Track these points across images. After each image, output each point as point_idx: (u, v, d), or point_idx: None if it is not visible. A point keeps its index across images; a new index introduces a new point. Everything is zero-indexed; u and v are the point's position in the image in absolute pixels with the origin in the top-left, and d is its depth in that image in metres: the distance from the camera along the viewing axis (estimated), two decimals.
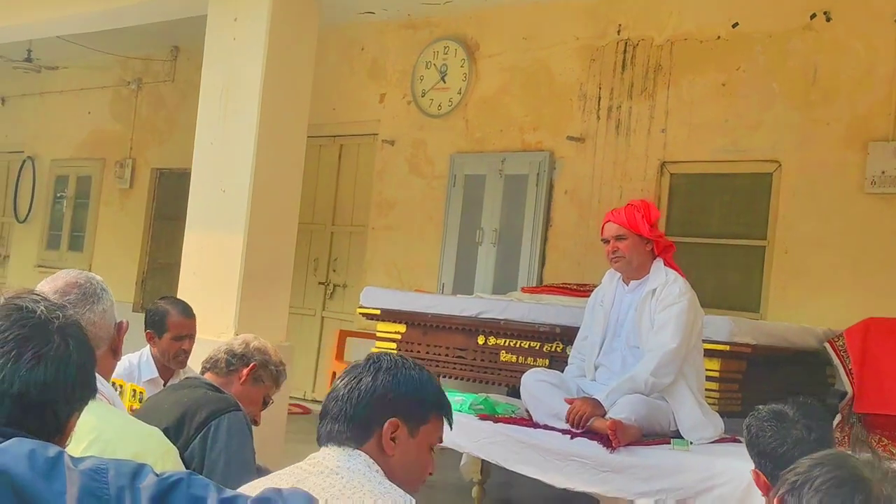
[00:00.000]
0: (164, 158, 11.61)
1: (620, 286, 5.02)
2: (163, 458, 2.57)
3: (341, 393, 2.19)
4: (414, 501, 2.06)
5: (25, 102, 13.44)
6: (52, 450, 1.50)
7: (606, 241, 4.96)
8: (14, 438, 1.50)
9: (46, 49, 11.09)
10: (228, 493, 1.54)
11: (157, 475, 1.53)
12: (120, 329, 2.59)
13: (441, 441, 2.29)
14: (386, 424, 2.15)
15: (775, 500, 1.69)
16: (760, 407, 2.75)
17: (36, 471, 1.45)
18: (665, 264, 4.90)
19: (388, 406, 2.16)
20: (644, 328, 4.82)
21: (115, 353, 2.61)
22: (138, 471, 1.52)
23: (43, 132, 13.19)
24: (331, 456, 2.15)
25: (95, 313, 2.50)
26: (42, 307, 1.65)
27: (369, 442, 2.16)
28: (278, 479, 2.15)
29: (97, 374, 1.81)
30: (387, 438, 2.16)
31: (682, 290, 4.78)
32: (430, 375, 2.27)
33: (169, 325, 4.56)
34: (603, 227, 5.00)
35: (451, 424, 2.30)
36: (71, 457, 1.51)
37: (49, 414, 1.61)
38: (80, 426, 1.73)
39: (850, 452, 1.73)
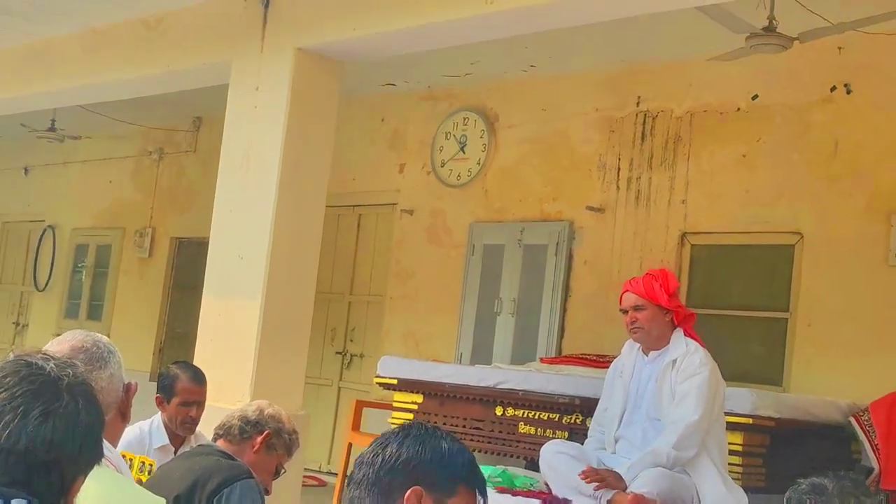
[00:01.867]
0: (184, 228, 11.65)
1: (640, 357, 4.96)
2: None
3: (366, 458, 2.09)
4: None
5: (48, 172, 13.55)
6: None
7: (625, 312, 4.91)
8: (16, 500, 1.46)
9: (70, 119, 11.20)
10: None
11: None
12: (128, 391, 2.54)
13: None
14: (408, 493, 2.01)
15: None
16: (801, 481, 2.70)
17: None
18: (685, 334, 4.84)
19: (412, 474, 2.03)
20: (665, 400, 4.74)
21: (125, 416, 2.56)
22: None
23: (64, 201, 13.28)
24: None
25: (103, 378, 2.45)
26: (52, 365, 1.61)
27: None
28: None
29: (104, 440, 1.76)
30: None
31: (703, 361, 4.72)
32: (464, 447, 2.12)
33: (178, 390, 4.51)
34: (621, 298, 4.96)
35: (485, 500, 2.13)
36: None
37: (55, 474, 1.56)
38: (84, 494, 1.67)
39: None
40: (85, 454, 1.60)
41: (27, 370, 1.59)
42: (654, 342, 4.88)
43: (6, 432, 1.52)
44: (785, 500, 2.80)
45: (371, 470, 2.07)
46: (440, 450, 2.08)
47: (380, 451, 2.09)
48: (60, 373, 1.62)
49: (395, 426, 2.17)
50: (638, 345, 4.97)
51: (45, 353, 1.66)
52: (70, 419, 1.57)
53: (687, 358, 4.73)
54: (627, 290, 4.94)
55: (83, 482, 1.64)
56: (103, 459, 1.72)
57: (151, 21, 7.24)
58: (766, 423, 5.37)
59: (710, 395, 4.68)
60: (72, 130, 12.04)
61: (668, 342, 4.85)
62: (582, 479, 4.67)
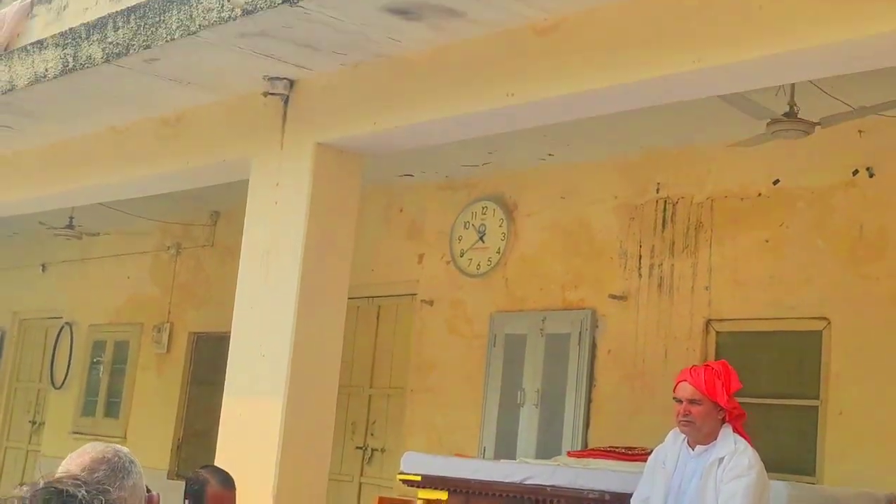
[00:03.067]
0: (202, 322, 11.59)
1: (685, 449, 4.81)
2: None
3: None
4: None
5: (66, 269, 13.57)
6: None
7: (679, 402, 4.74)
8: None
9: (88, 216, 11.24)
10: None
11: None
12: (150, 502, 2.46)
13: None
14: None
15: None
16: None
17: None
18: (734, 430, 4.71)
19: None
20: (709, 498, 4.60)
21: None
22: None
23: (82, 298, 13.26)
24: None
25: (126, 489, 2.38)
26: (83, 492, 1.54)
27: None
28: None
29: None
30: None
31: (752, 462, 4.58)
32: None
33: (209, 495, 4.44)
34: (677, 385, 4.79)
35: None
36: None
37: None
38: None
39: None
40: None
41: (58, 499, 1.52)
42: (703, 438, 4.73)
43: None
44: None
45: None
46: None
47: None
48: (92, 499, 1.54)
49: None
50: (683, 436, 4.83)
51: (76, 479, 1.59)
52: None
53: (735, 457, 4.59)
54: (685, 381, 4.74)
55: None
56: None
57: (171, 119, 7.28)
58: None
59: (757, 499, 4.54)
60: (90, 227, 12.08)
61: (717, 438, 4.71)
62: None
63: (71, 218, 11.50)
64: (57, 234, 11.99)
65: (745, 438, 4.72)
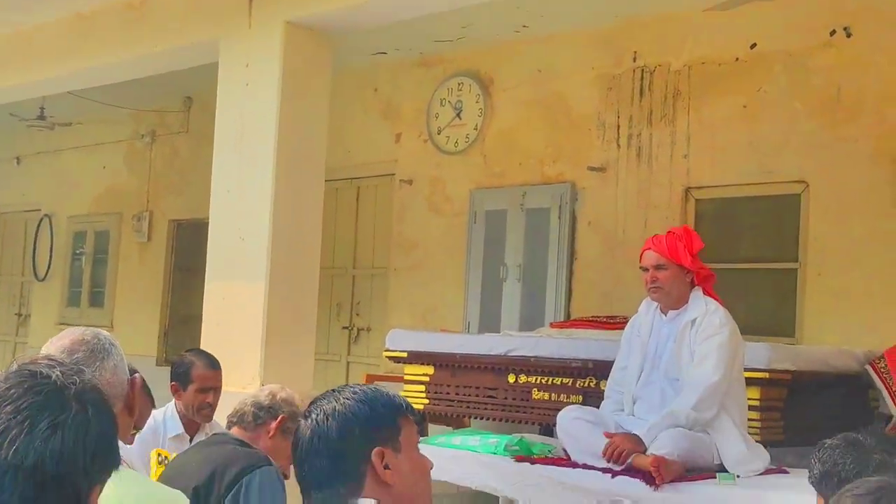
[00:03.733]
0: (181, 210, 11.55)
1: (658, 316, 4.87)
2: None
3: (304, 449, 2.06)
4: None
5: (40, 160, 13.44)
6: None
7: (645, 270, 4.80)
8: None
9: (59, 106, 11.08)
10: None
11: None
12: (133, 385, 2.47)
13: (420, 434, 2.16)
14: (373, 458, 2.01)
15: None
16: (827, 441, 2.62)
17: None
18: (704, 293, 4.76)
19: (362, 441, 2.04)
20: (684, 360, 4.67)
21: (131, 410, 2.49)
22: None
23: (59, 189, 13.18)
24: None
25: (107, 370, 2.39)
26: (58, 372, 1.52)
27: (365, 483, 2.01)
28: None
29: None
30: (380, 470, 2.02)
31: (723, 321, 4.64)
32: (371, 389, 2.13)
33: (194, 377, 4.49)
34: (642, 255, 4.85)
35: (413, 415, 2.16)
36: None
37: (68, 489, 1.46)
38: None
39: (892, 479, 1.60)
40: (98, 464, 1.52)
41: (32, 380, 1.50)
42: (673, 302, 4.79)
43: (13, 449, 1.43)
44: (816, 461, 2.71)
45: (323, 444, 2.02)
46: (363, 406, 2.06)
47: (316, 441, 2.04)
48: (67, 381, 1.53)
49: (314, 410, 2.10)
50: (656, 304, 4.89)
51: (50, 360, 1.58)
52: (80, 430, 1.48)
53: (707, 318, 4.65)
54: (649, 249, 4.81)
55: (101, 491, 1.56)
56: (120, 464, 1.64)
57: (136, 1, 7.11)
58: (783, 376, 5.31)
59: (731, 356, 4.61)
60: (62, 117, 11.93)
61: (688, 301, 4.77)
62: (603, 455, 4.62)
63: (42, 108, 11.33)
64: (30, 126, 11.83)
65: (716, 299, 4.78)
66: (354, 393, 2.10)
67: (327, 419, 2.05)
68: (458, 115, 9.02)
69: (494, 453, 5.16)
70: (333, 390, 2.13)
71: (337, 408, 2.06)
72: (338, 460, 2.03)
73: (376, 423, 2.05)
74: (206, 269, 6.21)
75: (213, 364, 4.55)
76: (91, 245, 12.80)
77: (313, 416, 2.08)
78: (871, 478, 1.60)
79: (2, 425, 1.45)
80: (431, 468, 2.13)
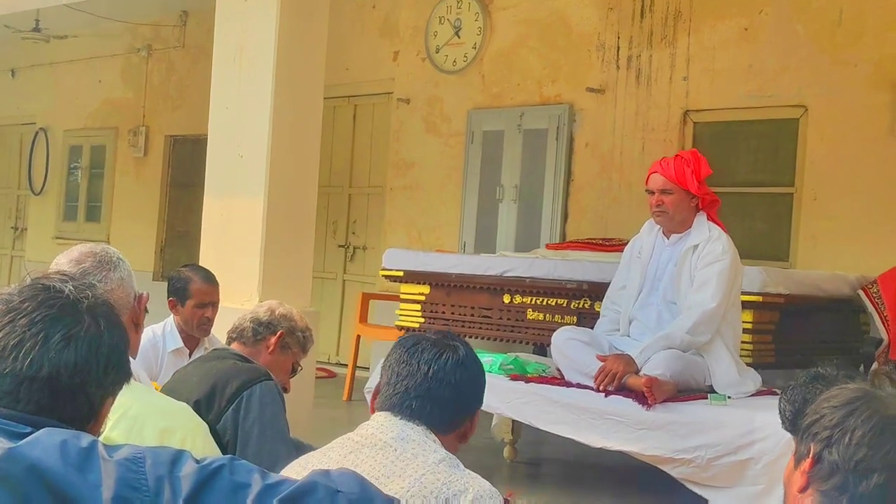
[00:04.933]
0: (178, 125, 11.51)
1: (660, 239, 4.88)
2: (192, 433, 2.50)
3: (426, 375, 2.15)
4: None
5: (35, 73, 13.34)
6: (85, 439, 1.41)
7: (651, 193, 4.80)
8: (44, 429, 1.42)
9: (54, 18, 10.97)
10: (273, 478, 1.45)
11: (196, 462, 1.43)
12: (140, 301, 2.50)
13: None
14: (475, 418, 2.21)
15: (808, 462, 1.58)
16: (791, 382, 2.63)
17: (69, 463, 1.36)
18: (708, 219, 4.77)
19: (474, 402, 2.22)
20: (683, 284, 4.71)
21: (137, 326, 2.52)
22: (177, 458, 1.43)
23: (54, 103, 13.10)
24: (386, 427, 2.07)
25: (113, 280, 2.42)
26: (70, 286, 1.56)
27: (452, 433, 2.16)
28: (329, 451, 2.08)
29: None
30: (468, 432, 2.20)
31: (726, 248, 4.66)
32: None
33: (192, 292, 4.49)
34: (648, 178, 4.84)
35: None
36: (105, 445, 1.42)
37: (81, 398, 1.52)
38: None
39: (869, 387, 1.62)
40: (111, 375, 1.56)
41: (45, 294, 1.53)
42: (676, 226, 4.80)
43: (28, 360, 1.47)
44: (786, 402, 2.72)
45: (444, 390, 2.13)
46: (481, 377, 2.24)
47: (449, 374, 2.14)
48: (80, 294, 1.56)
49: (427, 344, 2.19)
50: (658, 226, 4.90)
51: (63, 275, 1.61)
52: (92, 341, 1.53)
53: (710, 244, 4.66)
54: (656, 172, 4.79)
55: (112, 403, 1.61)
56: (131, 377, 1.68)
57: None
58: (776, 299, 5.36)
59: (730, 283, 4.64)
60: (57, 30, 11.81)
61: (691, 226, 4.77)
62: (595, 381, 4.68)
63: (37, 20, 11.21)
64: (24, 38, 11.72)
65: (720, 226, 4.79)
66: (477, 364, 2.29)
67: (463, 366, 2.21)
68: (456, 33, 8.94)
69: (489, 371, 5.21)
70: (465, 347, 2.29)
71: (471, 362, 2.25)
72: (455, 404, 2.18)
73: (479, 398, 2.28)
74: (205, 185, 6.20)
75: (210, 279, 4.55)
76: (87, 159, 12.77)
77: (451, 352, 2.20)
78: (848, 385, 1.62)
79: (16, 337, 1.49)
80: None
